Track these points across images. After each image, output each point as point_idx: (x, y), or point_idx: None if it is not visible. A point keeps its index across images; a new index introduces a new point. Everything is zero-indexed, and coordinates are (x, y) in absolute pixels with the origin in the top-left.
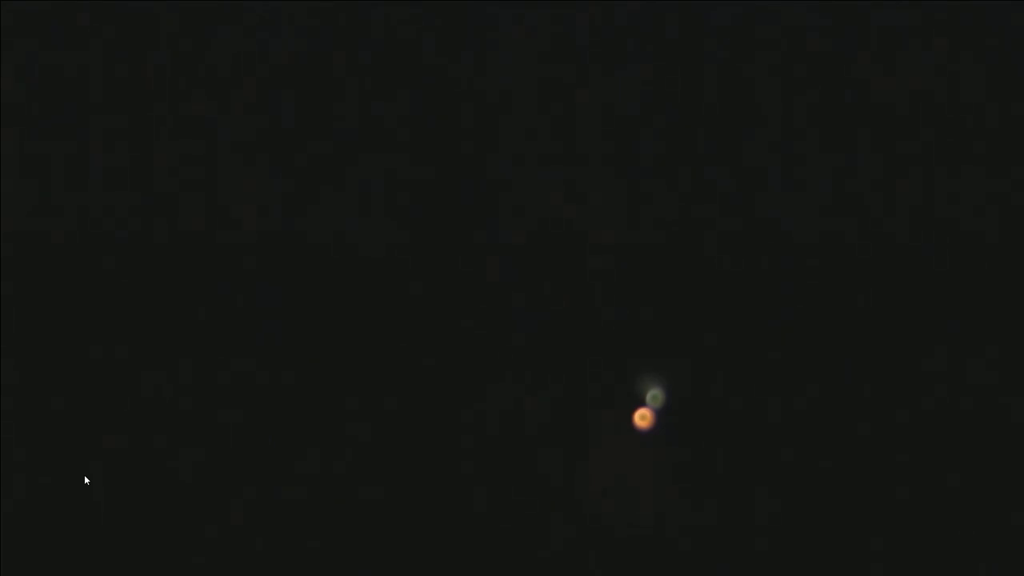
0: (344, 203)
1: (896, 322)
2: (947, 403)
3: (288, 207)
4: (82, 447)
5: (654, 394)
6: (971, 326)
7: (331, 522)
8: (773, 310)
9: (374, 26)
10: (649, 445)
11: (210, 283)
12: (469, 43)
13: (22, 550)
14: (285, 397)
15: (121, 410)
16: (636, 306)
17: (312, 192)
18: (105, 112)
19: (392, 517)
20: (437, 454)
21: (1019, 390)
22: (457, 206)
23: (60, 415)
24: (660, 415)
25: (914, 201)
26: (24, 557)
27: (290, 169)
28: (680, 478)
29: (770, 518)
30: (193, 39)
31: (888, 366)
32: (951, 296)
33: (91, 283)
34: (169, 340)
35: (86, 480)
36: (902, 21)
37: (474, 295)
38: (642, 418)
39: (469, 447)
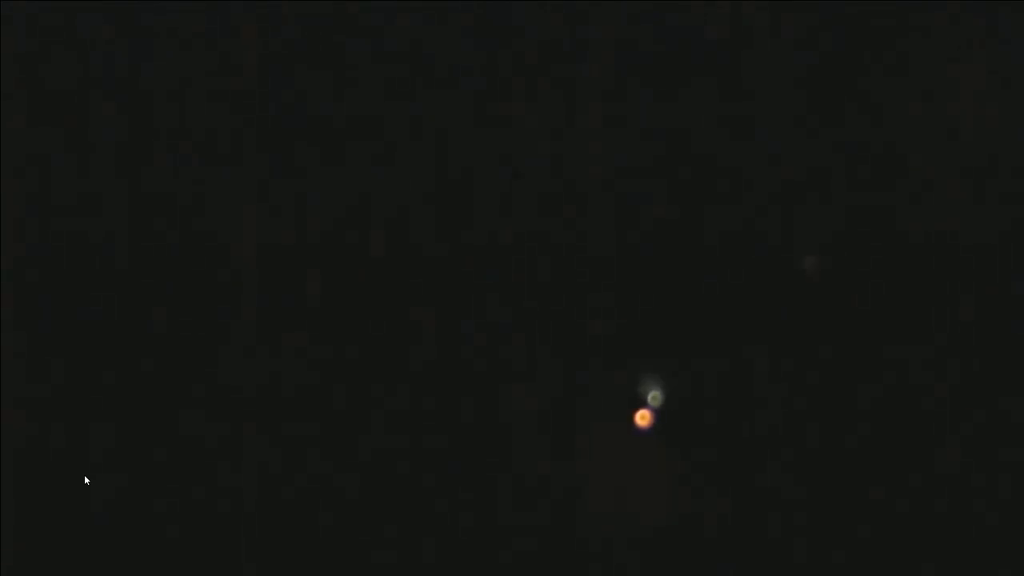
0: (341, 203)
1: (895, 322)
2: (946, 402)
3: (285, 207)
4: (80, 447)
5: (654, 394)
6: (967, 327)
7: (329, 523)
8: (772, 311)
9: (374, 22)
10: (648, 445)
11: (213, 285)
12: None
13: (21, 550)
14: (282, 398)
15: (120, 409)
16: (635, 306)
17: (309, 192)
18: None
19: (391, 518)
20: (435, 455)
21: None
22: (456, 206)
23: (57, 416)
24: (660, 415)
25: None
26: (23, 557)
27: (288, 168)
28: (679, 478)
29: (770, 518)
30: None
31: (888, 366)
32: (950, 296)
33: (88, 283)
34: (172, 341)
35: (86, 480)
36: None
37: (473, 295)
38: (642, 418)
39: (467, 448)
